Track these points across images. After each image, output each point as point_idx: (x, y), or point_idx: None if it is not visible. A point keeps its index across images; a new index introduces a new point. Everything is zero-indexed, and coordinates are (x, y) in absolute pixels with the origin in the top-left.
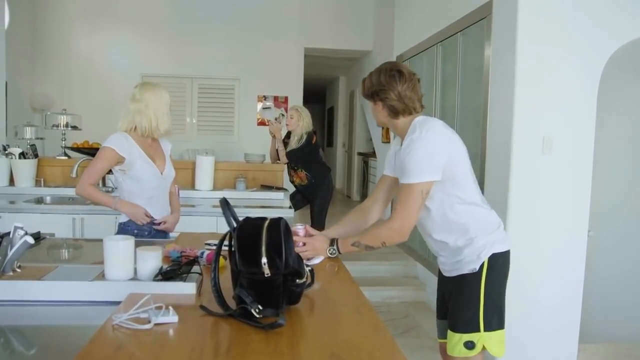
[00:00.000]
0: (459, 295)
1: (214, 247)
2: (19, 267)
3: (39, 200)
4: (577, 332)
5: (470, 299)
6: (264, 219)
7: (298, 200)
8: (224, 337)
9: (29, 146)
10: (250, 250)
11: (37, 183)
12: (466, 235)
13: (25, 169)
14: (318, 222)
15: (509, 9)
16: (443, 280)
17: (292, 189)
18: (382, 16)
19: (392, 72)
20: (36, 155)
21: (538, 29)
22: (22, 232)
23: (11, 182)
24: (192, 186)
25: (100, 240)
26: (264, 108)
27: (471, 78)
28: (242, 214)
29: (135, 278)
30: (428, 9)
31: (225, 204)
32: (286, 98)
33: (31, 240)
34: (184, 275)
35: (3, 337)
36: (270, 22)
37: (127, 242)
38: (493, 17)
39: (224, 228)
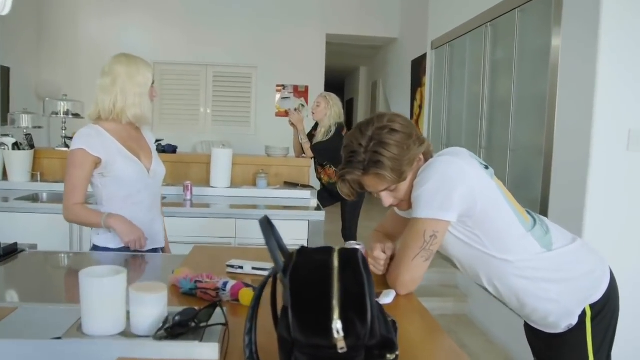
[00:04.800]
0: (559, 357)
1: (239, 271)
2: None
3: (35, 198)
4: None
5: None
6: (329, 250)
7: (325, 198)
8: None
9: (24, 135)
10: (314, 308)
11: (33, 177)
12: (546, 301)
13: (20, 162)
14: (350, 225)
15: None
16: (527, 327)
17: (318, 185)
18: None
19: (385, 129)
20: (32, 146)
21: (626, 5)
22: None
23: (4, 176)
24: (207, 183)
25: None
26: (282, 98)
27: (532, 61)
28: (262, 214)
29: (127, 332)
30: None
31: (267, 225)
32: (306, 88)
33: None
34: (202, 327)
35: None
36: (290, 6)
37: (115, 279)
38: None
39: (244, 232)
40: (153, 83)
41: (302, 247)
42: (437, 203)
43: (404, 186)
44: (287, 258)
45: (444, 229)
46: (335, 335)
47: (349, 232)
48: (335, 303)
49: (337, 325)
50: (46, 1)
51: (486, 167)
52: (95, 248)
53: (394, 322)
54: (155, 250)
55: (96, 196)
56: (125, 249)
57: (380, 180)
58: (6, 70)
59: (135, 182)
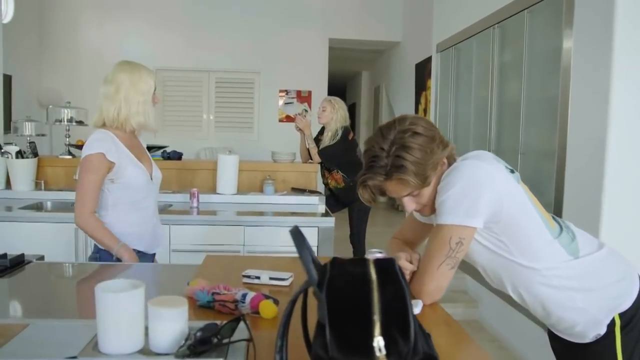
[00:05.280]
0: None
1: (256, 281)
2: None
3: (39, 207)
4: None
5: None
6: (363, 261)
7: (332, 204)
8: None
9: (27, 144)
10: (353, 324)
11: (37, 186)
12: (573, 310)
13: (23, 170)
14: (358, 231)
15: None
16: (552, 335)
17: (323, 190)
18: (414, 2)
19: (408, 132)
20: (35, 154)
21: None
22: None
23: (8, 185)
24: (214, 189)
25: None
26: (285, 103)
27: (542, 64)
28: (271, 223)
29: (146, 350)
30: None
31: (300, 236)
32: (309, 92)
33: None
34: (224, 343)
35: None
36: (292, 11)
37: (133, 294)
38: None
39: (252, 240)
40: (155, 90)
41: (335, 259)
42: (463, 209)
43: (427, 191)
44: (320, 271)
45: (470, 235)
46: (377, 353)
47: (357, 237)
48: (376, 318)
49: (379, 342)
50: (47, 9)
51: (512, 171)
52: (97, 250)
53: (428, 336)
54: (154, 255)
55: (103, 204)
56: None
57: (403, 186)
58: (8, 78)
59: (142, 188)
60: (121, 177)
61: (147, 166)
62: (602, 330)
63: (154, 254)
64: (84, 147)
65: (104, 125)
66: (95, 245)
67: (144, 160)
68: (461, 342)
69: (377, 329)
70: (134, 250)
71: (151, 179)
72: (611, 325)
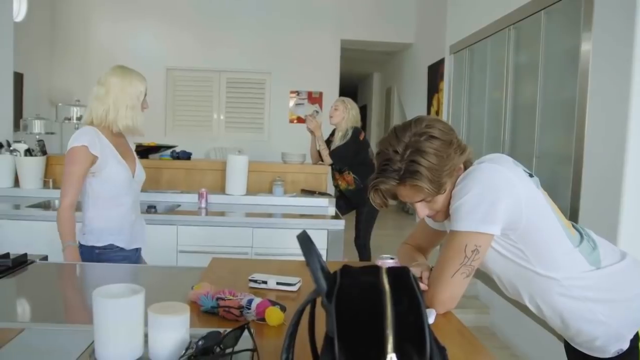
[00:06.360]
0: None
1: (263, 286)
2: None
3: (46, 205)
4: None
5: None
6: (375, 270)
7: (341, 205)
8: None
9: (36, 142)
10: (364, 339)
11: (45, 184)
12: (594, 323)
13: (31, 168)
14: (364, 234)
15: None
16: (570, 348)
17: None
18: (427, 3)
19: (423, 135)
20: (44, 152)
21: None
22: None
23: (16, 183)
24: (222, 190)
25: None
26: (296, 104)
27: (559, 66)
28: (280, 225)
29: (145, 358)
30: None
31: (309, 242)
32: (321, 94)
33: None
34: (227, 353)
35: None
36: (305, 12)
37: (132, 300)
38: None
39: (261, 242)
40: (145, 95)
41: (345, 266)
42: (479, 215)
43: (441, 197)
44: (329, 280)
45: (486, 243)
46: None
47: (363, 241)
48: (389, 332)
49: (392, 359)
50: (59, 8)
51: (530, 175)
52: (80, 247)
53: (444, 349)
54: (136, 250)
55: (84, 195)
56: (109, 246)
57: (416, 192)
58: (19, 76)
59: (123, 185)
60: (102, 172)
61: (130, 164)
62: (625, 346)
63: (138, 251)
64: (69, 141)
65: (92, 123)
66: (79, 243)
67: (128, 159)
68: (477, 354)
69: (389, 345)
70: (116, 246)
71: (133, 177)
72: (634, 340)
